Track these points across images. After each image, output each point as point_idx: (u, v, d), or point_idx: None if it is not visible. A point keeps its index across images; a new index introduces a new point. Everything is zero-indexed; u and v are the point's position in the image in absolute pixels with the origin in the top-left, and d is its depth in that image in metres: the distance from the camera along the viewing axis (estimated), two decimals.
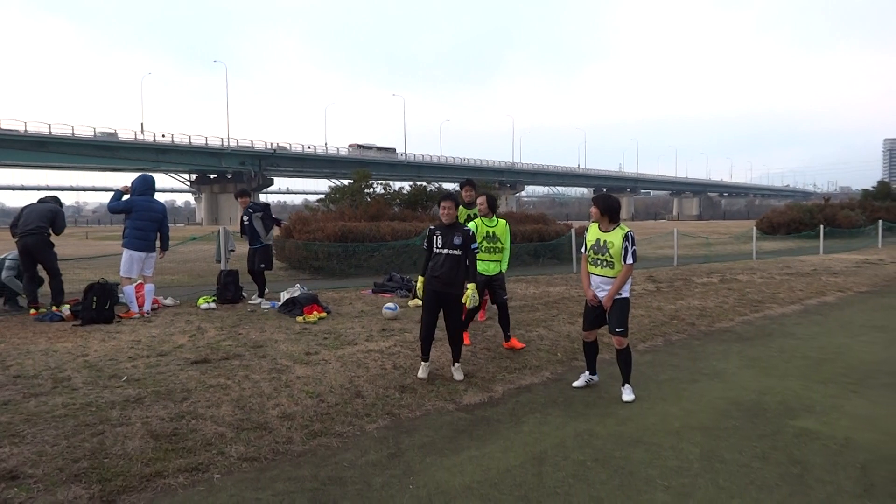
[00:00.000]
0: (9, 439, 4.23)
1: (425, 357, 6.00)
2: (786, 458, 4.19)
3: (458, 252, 5.77)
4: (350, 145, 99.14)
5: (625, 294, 5.45)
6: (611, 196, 5.56)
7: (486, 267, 6.86)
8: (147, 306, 8.35)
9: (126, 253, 8.44)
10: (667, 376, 6.24)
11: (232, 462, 4.16)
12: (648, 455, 4.28)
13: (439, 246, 5.81)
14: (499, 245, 6.96)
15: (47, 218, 8.45)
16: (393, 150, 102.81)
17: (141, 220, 8.50)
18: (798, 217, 30.73)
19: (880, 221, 26.42)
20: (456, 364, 6.06)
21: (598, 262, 5.45)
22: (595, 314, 5.56)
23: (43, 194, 11.35)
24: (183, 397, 5.13)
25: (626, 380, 5.55)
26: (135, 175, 9.65)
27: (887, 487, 3.76)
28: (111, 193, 8.86)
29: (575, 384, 5.82)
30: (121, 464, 4.03)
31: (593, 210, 5.47)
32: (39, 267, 8.59)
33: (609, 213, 5.43)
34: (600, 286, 5.48)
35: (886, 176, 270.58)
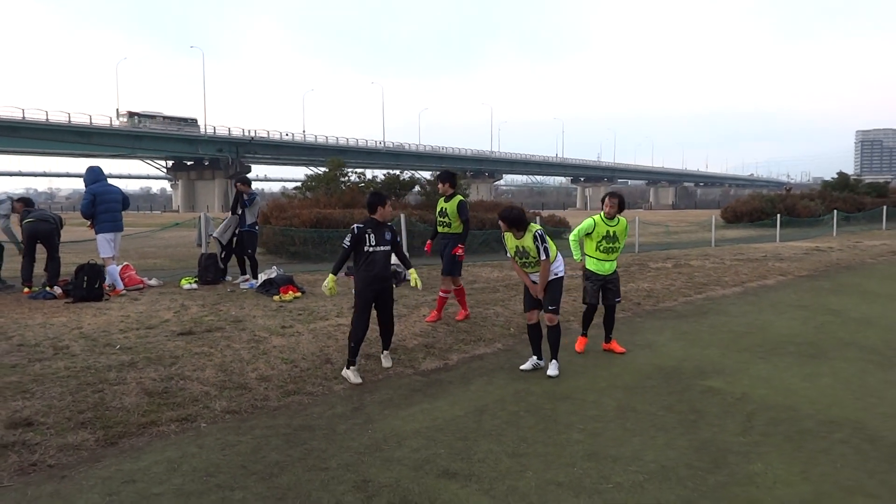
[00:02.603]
0: (21, 395, 4.89)
1: (355, 360, 5.79)
2: (687, 409, 4.99)
3: (388, 247, 5.88)
4: (123, 113, 79.40)
5: (560, 274, 5.95)
6: (513, 209, 5.97)
7: (600, 266, 6.67)
8: (115, 283, 9.03)
9: (100, 237, 9.17)
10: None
11: (216, 414, 4.85)
12: (573, 407, 5.05)
13: (373, 243, 5.74)
14: (616, 245, 6.63)
15: (56, 219, 9.56)
16: (193, 122, 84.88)
17: (105, 202, 9.23)
18: (760, 206, 31.92)
19: (835, 211, 27.63)
20: (385, 352, 6.25)
21: (526, 264, 5.92)
22: (537, 297, 5.99)
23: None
24: (171, 362, 5.80)
25: (553, 356, 5.98)
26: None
27: (762, 428, 4.57)
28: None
29: (522, 367, 6.08)
30: (120, 415, 4.70)
31: (502, 224, 5.86)
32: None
33: (514, 224, 5.77)
34: (536, 279, 5.97)
35: (858, 167, 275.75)
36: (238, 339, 6.62)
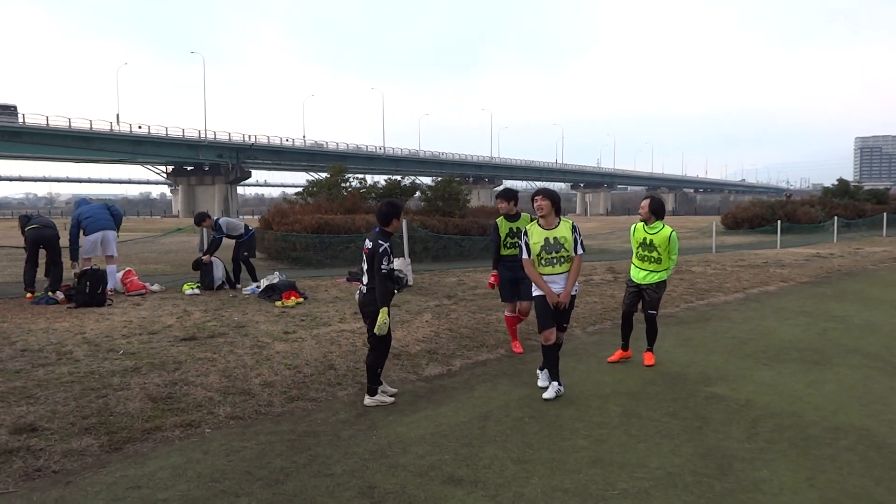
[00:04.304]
0: (25, 400, 4.89)
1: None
2: (692, 415, 4.98)
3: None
4: None
5: (574, 290, 5.45)
6: (552, 189, 5.61)
7: (635, 273, 6.56)
8: (110, 284, 9.08)
9: (86, 239, 9.67)
10: (608, 353, 6.98)
11: (220, 420, 4.84)
12: (578, 413, 5.04)
13: (392, 261, 5.18)
14: (654, 255, 6.37)
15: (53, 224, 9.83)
16: (12, 110, 70.85)
17: (90, 211, 9.80)
18: (760, 213, 31.95)
19: (836, 217, 27.64)
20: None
21: (555, 260, 5.31)
22: (555, 311, 5.40)
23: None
24: (175, 368, 5.80)
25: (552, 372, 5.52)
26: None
27: (767, 435, 4.56)
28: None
29: (545, 396, 5.39)
30: (124, 420, 4.70)
31: (545, 203, 5.32)
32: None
33: (557, 206, 5.39)
34: (556, 283, 5.37)
35: (857, 173, 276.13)
36: (241, 345, 6.61)
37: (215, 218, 10.64)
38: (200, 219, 10.78)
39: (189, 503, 3.56)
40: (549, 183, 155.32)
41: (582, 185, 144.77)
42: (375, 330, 5.09)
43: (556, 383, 5.47)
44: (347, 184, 20.13)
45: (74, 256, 9.71)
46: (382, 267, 5.05)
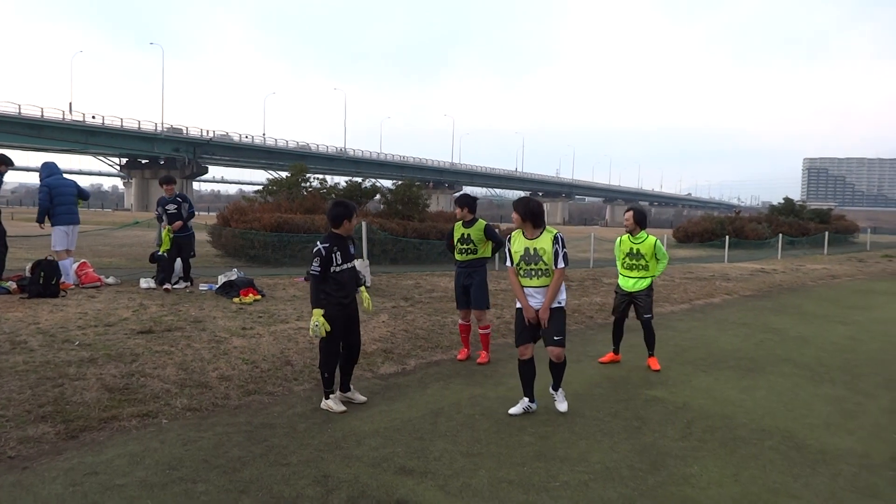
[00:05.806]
0: None
1: (332, 388, 5.22)
2: (632, 416, 5.27)
3: (353, 263, 5.26)
4: None
5: (562, 303, 5.13)
6: (531, 199, 5.16)
7: (624, 282, 6.96)
8: (64, 277, 9.00)
9: (57, 229, 9.36)
10: None
11: (177, 411, 4.94)
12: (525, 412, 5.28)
13: (339, 262, 5.06)
14: (641, 262, 6.81)
15: None
16: None
17: (62, 195, 9.44)
18: (710, 228, 33.04)
19: (781, 235, 28.75)
20: (351, 389, 5.46)
21: (532, 272, 5.03)
22: (532, 326, 5.13)
23: None
24: (131, 360, 5.85)
25: (557, 385, 5.38)
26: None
27: (699, 435, 4.88)
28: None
29: (511, 411, 5.20)
30: (80, 409, 4.76)
31: (514, 216, 5.09)
32: None
33: (531, 217, 5.03)
34: (535, 297, 5.10)
35: (805, 193, 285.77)
36: (198, 339, 6.68)
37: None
38: (167, 180, 10.20)
39: (147, 489, 3.67)
40: (508, 191, 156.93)
41: (541, 193, 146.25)
42: (310, 332, 5.06)
43: (526, 399, 5.26)
44: (308, 184, 20.13)
45: (41, 219, 9.43)
46: (311, 267, 5.05)
